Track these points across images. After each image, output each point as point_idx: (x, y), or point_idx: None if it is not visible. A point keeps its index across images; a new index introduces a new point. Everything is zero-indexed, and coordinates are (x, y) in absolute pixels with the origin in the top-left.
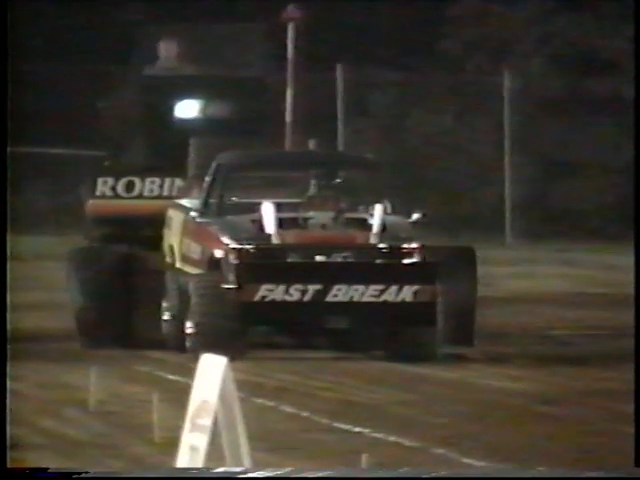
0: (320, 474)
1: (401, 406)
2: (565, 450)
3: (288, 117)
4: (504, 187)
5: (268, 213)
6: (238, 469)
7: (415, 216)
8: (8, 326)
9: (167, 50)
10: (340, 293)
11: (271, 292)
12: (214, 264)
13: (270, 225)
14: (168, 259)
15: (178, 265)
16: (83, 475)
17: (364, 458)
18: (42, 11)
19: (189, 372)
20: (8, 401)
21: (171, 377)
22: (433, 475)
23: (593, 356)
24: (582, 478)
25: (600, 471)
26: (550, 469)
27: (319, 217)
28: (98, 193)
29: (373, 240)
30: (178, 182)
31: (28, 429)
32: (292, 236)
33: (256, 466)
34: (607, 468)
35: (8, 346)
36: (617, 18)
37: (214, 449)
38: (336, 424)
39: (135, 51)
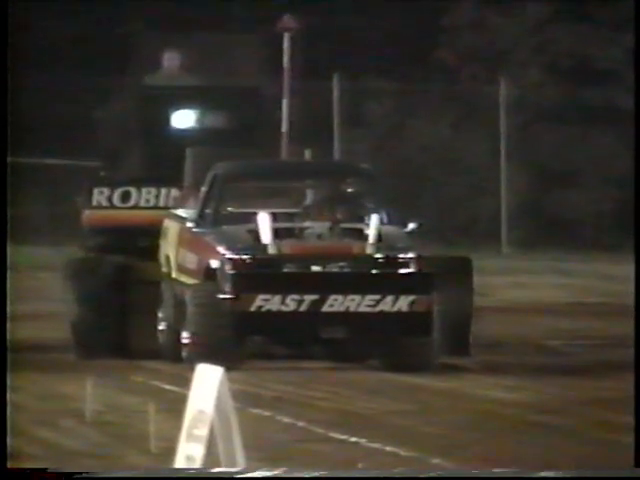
0: (315, 474)
1: (397, 416)
2: (561, 460)
3: (284, 127)
4: (500, 196)
5: (264, 223)
6: (234, 470)
7: (411, 226)
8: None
9: (163, 60)
10: (336, 303)
11: (267, 302)
12: (210, 274)
13: (266, 235)
14: (164, 269)
15: (174, 275)
16: (82, 475)
17: (360, 467)
18: (41, 21)
19: (185, 382)
20: (8, 399)
21: (167, 387)
22: (431, 475)
23: (589, 366)
24: (582, 478)
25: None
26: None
27: (315, 227)
28: (94, 203)
29: (369, 250)
30: (174, 192)
31: (25, 440)
32: (288, 246)
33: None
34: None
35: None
36: (613, 27)
37: (210, 459)
38: (332, 434)
39: (132, 61)
